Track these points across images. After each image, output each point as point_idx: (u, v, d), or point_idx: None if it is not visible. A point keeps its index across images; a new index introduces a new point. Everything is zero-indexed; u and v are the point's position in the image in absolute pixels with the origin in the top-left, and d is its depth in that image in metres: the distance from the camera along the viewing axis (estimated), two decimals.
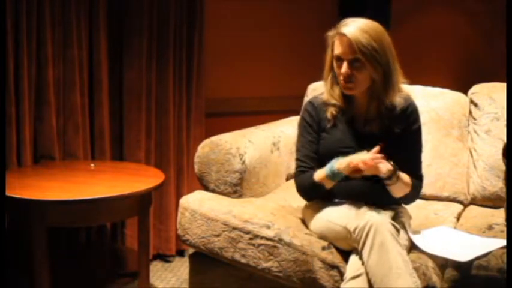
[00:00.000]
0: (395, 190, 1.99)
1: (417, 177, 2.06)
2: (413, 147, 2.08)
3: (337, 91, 2.07)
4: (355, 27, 1.94)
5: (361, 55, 1.93)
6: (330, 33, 2.02)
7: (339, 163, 1.95)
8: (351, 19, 1.99)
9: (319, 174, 2.03)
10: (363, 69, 1.95)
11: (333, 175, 1.98)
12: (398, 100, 2.03)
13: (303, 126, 2.14)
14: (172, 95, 3.03)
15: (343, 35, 1.94)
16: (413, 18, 3.78)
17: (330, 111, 2.09)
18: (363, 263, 1.80)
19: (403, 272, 1.74)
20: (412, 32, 3.69)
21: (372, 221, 1.79)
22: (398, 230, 1.80)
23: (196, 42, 3.09)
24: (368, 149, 1.97)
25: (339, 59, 1.98)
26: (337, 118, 2.09)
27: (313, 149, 2.10)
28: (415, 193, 2.06)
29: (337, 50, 1.97)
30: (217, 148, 2.36)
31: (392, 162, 1.94)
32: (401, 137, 2.04)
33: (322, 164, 2.05)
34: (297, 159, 2.13)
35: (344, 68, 1.96)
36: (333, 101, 2.08)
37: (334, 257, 1.97)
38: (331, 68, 2.05)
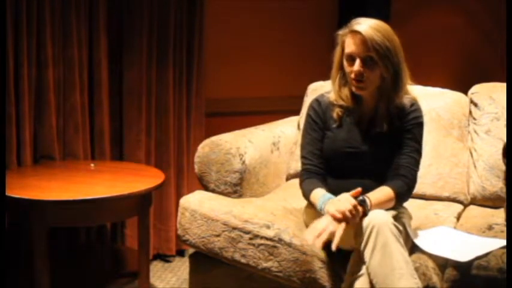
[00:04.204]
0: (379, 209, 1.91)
1: (409, 176, 2.01)
2: (412, 147, 2.03)
3: (345, 91, 2.05)
4: (368, 26, 1.93)
5: (374, 53, 1.92)
6: (341, 32, 2.00)
7: (329, 206, 1.86)
8: (363, 18, 1.97)
9: (314, 198, 1.97)
10: (375, 68, 1.94)
11: (321, 211, 1.92)
12: (405, 101, 2.03)
13: (308, 124, 2.13)
14: (172, 95, 3.03)
15: (358, 32, 1.93)
16: (413, 18, 3.78)
17: (336, 112, 2.08)
18: (364, 263, 1.80)
19: (405, 273, 1.74)
20: (412, 32, 3.67)
21: (374, 221, 1.78)
22: (400, 231, 1.80)
23: (196, 42, 3.09)
24: (373, 149, 2.00)
25: (351, 58, 1.96)
26: (343, 118, 2.08)
27: (318, 146, 2.09)
28: (403, 199, 2.02)
29: (350, 48, 1.95)
30: (217, 148, 2.36)
31: (361, 198, 1.86)
32: (404, 137, 2.03)
33: (327, 162, 2.06)
34: (302, 157, 2.11)
35: (357, 65, 1.94)
36: (341, 102, 2.06)
37: (334, 257, 1.97)
38: (340, 67, 2.04)
